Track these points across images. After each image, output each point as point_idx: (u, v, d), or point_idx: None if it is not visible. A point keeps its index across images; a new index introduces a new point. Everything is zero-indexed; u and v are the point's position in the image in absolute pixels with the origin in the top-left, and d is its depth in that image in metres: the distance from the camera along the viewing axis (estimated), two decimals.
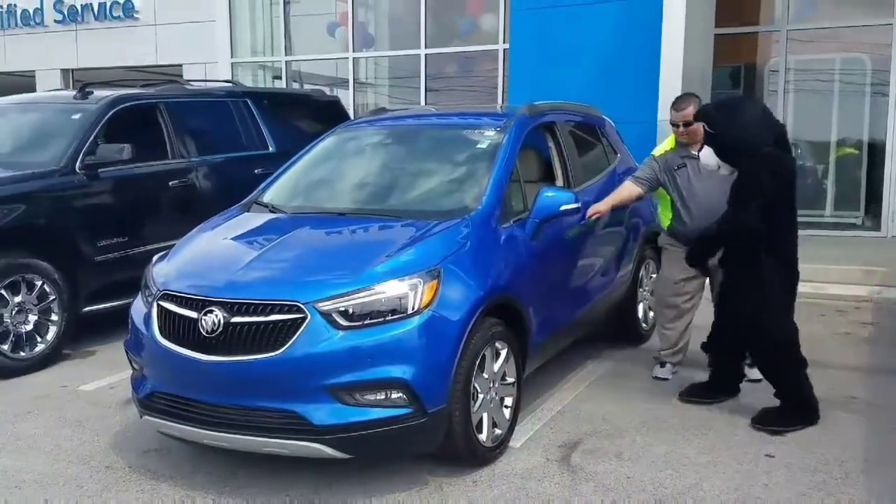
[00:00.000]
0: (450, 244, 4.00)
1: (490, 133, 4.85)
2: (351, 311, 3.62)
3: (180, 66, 14.69)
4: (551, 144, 5.23)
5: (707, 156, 4.43)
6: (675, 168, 4.94)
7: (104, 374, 5.55)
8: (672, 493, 3.74)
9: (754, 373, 4.84)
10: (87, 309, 6.11)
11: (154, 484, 3.94)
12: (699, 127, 4.54)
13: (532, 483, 3.85)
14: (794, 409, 4.42)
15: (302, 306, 3.61)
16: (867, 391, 5.00)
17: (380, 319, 3.62)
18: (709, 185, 4.77)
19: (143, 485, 3.94)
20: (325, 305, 3.62)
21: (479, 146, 4.78)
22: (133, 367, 4.24)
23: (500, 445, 4.11)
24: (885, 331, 6.49)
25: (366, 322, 3.62)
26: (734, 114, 4.35)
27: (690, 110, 4.81)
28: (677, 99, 5.09)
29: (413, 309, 3.65)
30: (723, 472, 3.93)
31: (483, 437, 3.97)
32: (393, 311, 3.64)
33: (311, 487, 3.83)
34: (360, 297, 3.64)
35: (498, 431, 4.10)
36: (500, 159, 4.56)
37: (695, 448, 4.22)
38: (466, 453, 3.90)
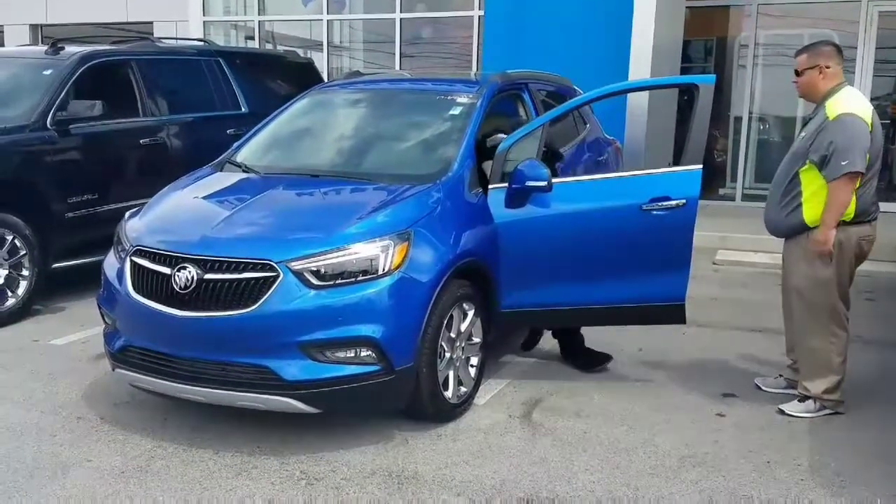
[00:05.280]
0: (421, 208, 4.10)
1: (463, 100, 4.93)
2: (323, 270, 3.72)
3: (151, 23, 14.52)
4: (522, 113, 5.32)
5: None
6: None
7: (75, 330, 5.61)
8: (626, 447, 3.93)
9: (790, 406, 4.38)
10: (57, 265, 6.15)
11: (126, 435, 4.04)
12: (812, 78, 4.22)
13: (494, 437, 4.01)
14: None
15: (275, 265, 3.71)
16: None
17: (351, 279, 3.73)
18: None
19: (114, 435, 4.04)
20: (298, 264, 3.72)
21: (451, 112, 4.87)
22: (105, 322, 4.31)
23: (465, 403, 4.26)
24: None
25: (337, 281, 3.72)
26: None
27: (802, 59, 4.27)
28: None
29: (384, 270, 3.76)
30: (675, 430, 4.12)
31: (449, 394, 4.11)
32: (364, 272, 3.75)
33: (279, 440, 3.96)
34: (331, 257, 3.74)
35: (463, 389, 4.24)
36: (472, 126, 4.65)
37: (650, 407, 4.41)
38: (432, 409, 4.04)
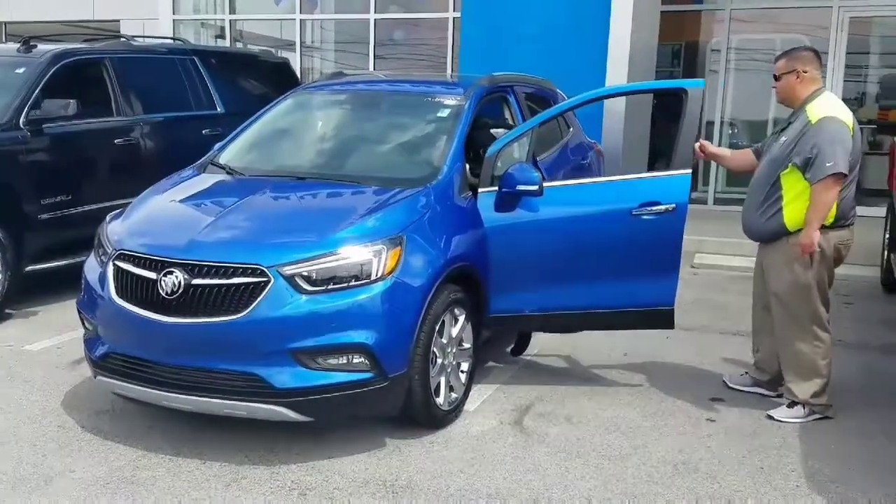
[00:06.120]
0: (412, 212, 4.05)
1: (451, 102, 4.88)
2: (314, 275, 3.65)
3: (118, 21, 14.25)
4: (508, 116, 5.29)
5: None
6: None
7: (50, 335, 5.47)
8: (620, 454, 3.90)
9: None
10: (30, 268, 5.99)
11: (109, 444, 3.93)
12: (789, 83, 4.26)
13: (486, 444, 3.96)
14: None
15: (265, 270, 3.63)
16: None
17: (343, 285, 3.66)
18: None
19: (97, 444, 3.93)
20: (289, 269, 3.64)
21: (439, 115, 4.82)
22: (86, 328, 4.19)
23: (456, 409, 4.21)
24: None
25: (329, 287, 3.65)
26: None
27: (781, 63, 4.32)
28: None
29: (376, 275, 3.70)
30: (667, 436, 4.11)
31: (440, 400, 4.06)
32: (356, 277, 3.68)
33: (268, 448, 3.87)
34: (323, 262, 3.67)
35: (454, 395, 4.19)
36: (460, 129, 4.60)
37: (640, 412, 4.39)
38: (424, 416, 3.99)
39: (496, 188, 4.40)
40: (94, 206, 6.21)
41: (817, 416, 4.29)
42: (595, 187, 4.72)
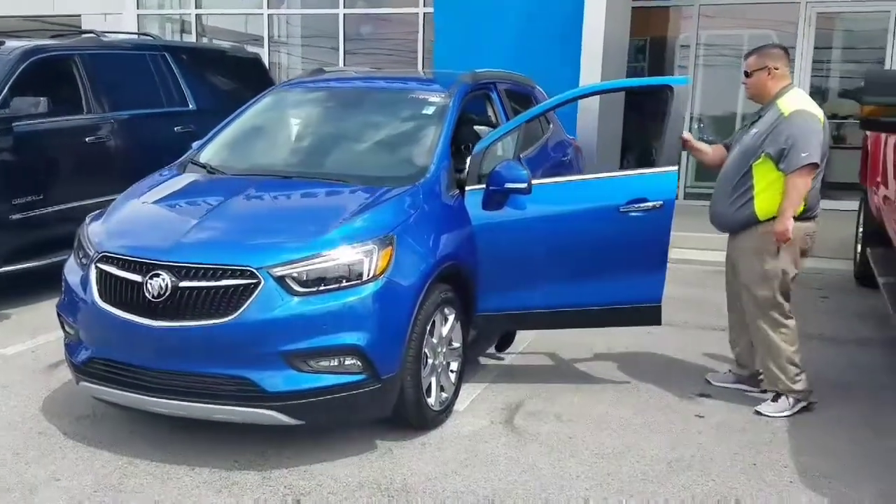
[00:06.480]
0: (402, 211, 4.00)
1: (435, 99, 4.83)
2: (305, 276, 3.58)
3: (79, 17, 13.92)
4: (491, 113, 5.26)
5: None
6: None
7: (24, 338, 5.33)
8: (613, 452, 3.90)
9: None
10: (2, 270, 5.83)
11: (93, 451, 3.83)
12: (760, 79, 4.30)
13: (480, 445, 3.93)
14: None
15: (255, 271, 3.55)
16: None
17: (335, 286, 3.60)
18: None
19: (80, 452, 3.83)
20: (279, 271, 3.57)
21: (424, 112, 4.77)
22: (66, 332, 4.08)
23: (447, 409, 4.17)
24: None
25: (320, 288, 3.59)
26: None
27: (752, 60, 4.34)
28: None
29: (368, 276, 3.64)
30: (658, 433, 4.12)
31: (431, 401, 4.02)
32: (348, 278, 3.63)
33: (258, 453, 3.80)
34: (314, 263, 3.61)
35: (445, 395, 4.16)
36: (446, 126, 4.55)
37: (630, 409, 4.40)
38: (416, 417, 3.95)
39: (483, 186, 4.36)
40: (66, 206, 6.08)
41: (802, 404, 4.34)
42: (582, 184, 4.71)
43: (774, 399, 4.39)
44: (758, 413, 4.34)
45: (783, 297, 4.32)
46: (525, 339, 5.44)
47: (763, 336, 4.37)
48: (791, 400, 4.35)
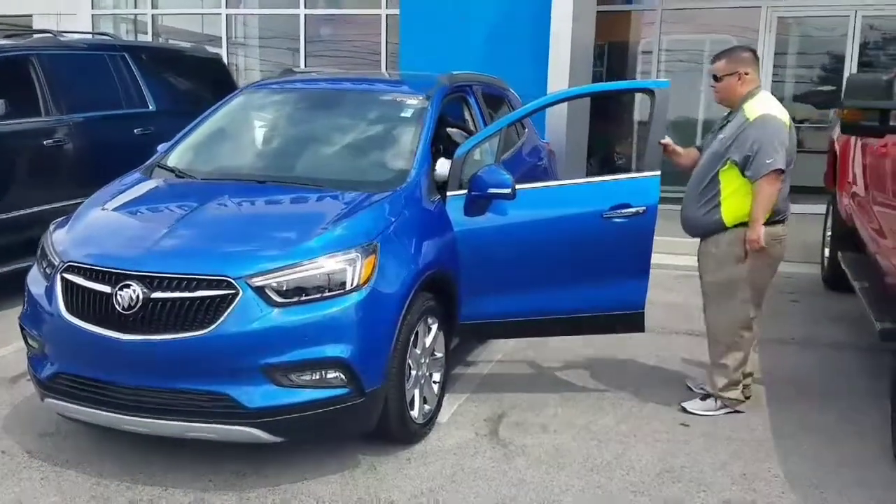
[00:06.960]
0: (384, 217, 3.87)
1: (413, 102, 4.70)
2: (286, 286, 3.43)
3: (30, 17, 13.48)
4: (468, 116, 5.16)
5: None
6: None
7: None
8: (601, 463, 3.82)
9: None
10: None
11: (59, 471, 3.65)
12: (730, 84, 4.25)
13: (465, 459, 3.82)
14: None
15: (232, 281, 3.39)
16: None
17: (317, 296, 3.46)
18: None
19: (46, 472, 3.64)
20: (258, 280, 3.41)
21: (402, 115, 4.64)
22: (29, 345, 3.88)
23: (430, 422, 4.06)
24: None
25: (302, 298, 3.45)
26: None
27: (721, 65, 4.28)
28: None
29: (352, 285, 3.50)
30: (645, 443, 4.04)
31: (415, 413, 3.90)
32: (330, 288, 3.48)
33: (234, 472, 3.64)
34: (295, 272, 3.46)
35: (427, 408, 4.04)
36: (425, 129, 4.43)
37: (614, 418, 4.32)
38: (400, 431, 3.82)
39: (465, 191, 4.26)
40: (24, 211, 5.81)
41: (727, 409, 4.37)
42: (566, 190, 4.62)
43: (703, 398, 4.44)
44: (682, 409, 4.38)
45: (748, 305, 4.29)
46: (502, 349, 5.34)
47: (716, 338, 4.38)
48: (719, 403, 4.38)
